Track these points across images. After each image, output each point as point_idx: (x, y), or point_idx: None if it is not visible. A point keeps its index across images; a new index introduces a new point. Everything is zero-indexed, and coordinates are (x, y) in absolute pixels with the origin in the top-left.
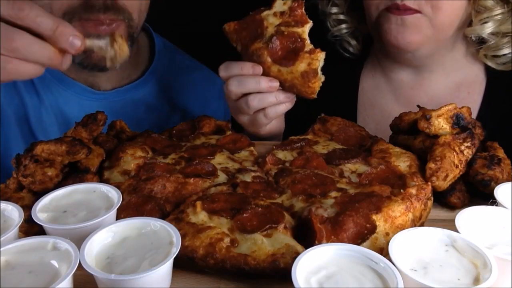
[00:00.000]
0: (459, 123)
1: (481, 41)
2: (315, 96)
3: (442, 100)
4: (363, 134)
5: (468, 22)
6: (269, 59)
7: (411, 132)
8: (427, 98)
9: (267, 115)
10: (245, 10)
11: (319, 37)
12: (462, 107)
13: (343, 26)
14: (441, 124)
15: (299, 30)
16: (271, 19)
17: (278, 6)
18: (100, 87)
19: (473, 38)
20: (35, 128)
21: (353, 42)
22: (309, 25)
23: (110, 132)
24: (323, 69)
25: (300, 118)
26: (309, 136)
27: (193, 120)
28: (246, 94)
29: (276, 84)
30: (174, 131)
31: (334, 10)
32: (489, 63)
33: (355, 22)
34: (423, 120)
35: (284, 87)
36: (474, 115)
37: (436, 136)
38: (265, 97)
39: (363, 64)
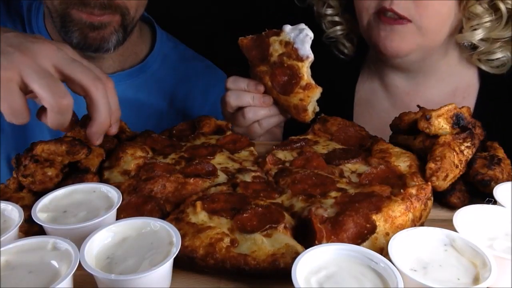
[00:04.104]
0: (459, 123)
1: (474, 47)
2: (308, 122)
3: (438, 105)
4: (363, 134)
5: (459, 29)
6: (269, 83)
7: (411, 132)
8: (423, 103)
9: (261, 125)
10: (246, 9)
11: (318, 41)
12: (462, 107)
13: (338, 28)
14: (441, 124)
15: (298, 64)
16: (276, 46)
17: (284, 35)
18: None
19: (465, 44)
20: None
21: (348, 44)
22: (309, 61)
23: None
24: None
25: None
26: (309, 136)
27: (193, 120)
28: (241, 108)
29: (270, 100)
30: (174, 131)
31: (329, 11)
32: (483, 67)
33: (350, 24)
34: (423, 120)
35: (281, 108)
36: None
37: (436, 136)
38: (259, 110)
39: (360, 70)
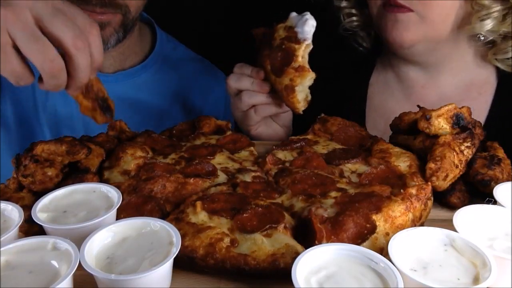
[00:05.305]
0: (459, 123)
1: (491, 43)
2: (299, 111)
3: (452, 100)
4: (363, 134)
5: (470, 22)
6: (268, 67)
7: (411, 132)
8: (437, 97)
9: (257, 111)
10: (246, 10)
11: (335, 34)
12: (462, 107)
13: (354, 19)
14: (441, 124)
15: (295, 46)
16: (280, 32)
17: (289, 21)
18: (103, 70)
19: (480, 38)
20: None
21: (365, 36)
22: (306, 43)
23: (110, 132)
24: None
25: (300, 118)
26: (309, 136)
27: (193, 120)
28: (242, 92)
29: (267, 87)
30: (174, 131)
31: (344, 4)
32: (499, 65)
33: (365, 17)
34: (423, 120)
35: (278, 95)
36: (484, 116)
37: (436, 136)
38: (256, 95)
39: (375, 63)
